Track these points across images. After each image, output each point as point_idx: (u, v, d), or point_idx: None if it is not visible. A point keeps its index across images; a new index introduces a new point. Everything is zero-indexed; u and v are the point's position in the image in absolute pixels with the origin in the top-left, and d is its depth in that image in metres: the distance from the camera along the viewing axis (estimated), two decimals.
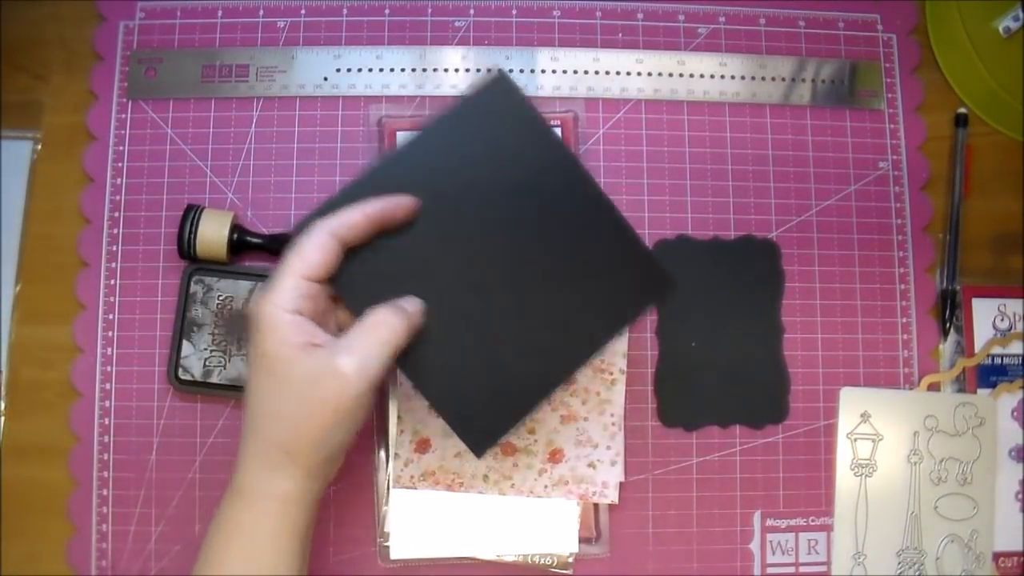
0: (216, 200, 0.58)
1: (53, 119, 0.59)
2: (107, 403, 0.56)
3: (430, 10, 0.61)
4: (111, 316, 0.57)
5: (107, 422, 0.56)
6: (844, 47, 0.62)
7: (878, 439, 0.57)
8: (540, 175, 0.44)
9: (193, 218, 0.55)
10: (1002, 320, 0.59)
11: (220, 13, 0.60)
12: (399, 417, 0.55)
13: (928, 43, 0.62)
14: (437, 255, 0.44)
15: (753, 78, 0.61)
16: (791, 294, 0.59)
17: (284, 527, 0.41)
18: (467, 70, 0.60)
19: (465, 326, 0.44)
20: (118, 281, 0.57)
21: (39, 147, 0.59)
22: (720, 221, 0.59)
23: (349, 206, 0.42)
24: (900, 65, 0.62)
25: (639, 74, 0.60)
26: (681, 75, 0.60)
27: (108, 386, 0.56)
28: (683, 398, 0.57)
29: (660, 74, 0.60)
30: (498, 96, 0.44)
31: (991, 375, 0.58)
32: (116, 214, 0.58)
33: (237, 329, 0.55)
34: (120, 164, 0.58)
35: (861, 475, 0.57)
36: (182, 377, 0.55)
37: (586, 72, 0.60)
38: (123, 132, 0.58)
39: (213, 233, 0.54)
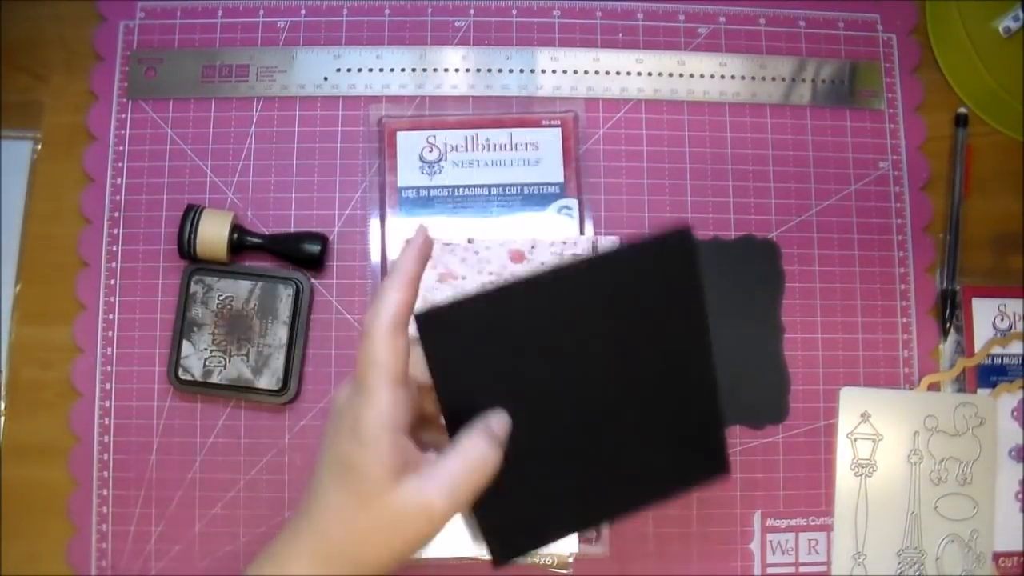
0: (216, 200, 0.58)
1: (53, 119, 0.59)
2: (107, 403, 0.56)
3: (430, 10, 0.61)
4: (111, 316, 0.57)
5: (107, 422, 0.56)
6: (844, 47, 0.62)
7: (878, 439, 0.57)
8: (668, 335, 0.41)
9: (193, 218, 0.55)
10: (1002, 320, 0.59)
11: (220, 13, 0.60)
12: None
13: (928, 43, 0.62)
14: (532, 368, 0.40)
15: (753, 78, 0.61)
16: (791, 294, 0.59)
17: None
18: (467, 70, 0.60)
19: (530, 440, 0.40)
20: (118, 281, 0.57)
21: (39, 147, 0.59)
22: (720, 221, 0.59)
23: (387, 285, 0.38)
24: (900, 65, 0.62)
25: (639, 74, 0.60)
26: (681, 75, 0.60)
27: (108, 386, 0.56)
28: None
29: (660, 74, 0.60)
30: (673, 249, 0.39)
31: (991, 375, 0.58)
32: (116, 214, 0.58)
33: (237, 329, 0.55)
34: (120, 164, 0.58)
35: (861, 475, 0.57)
36: (182, 377, 0.55)
37: (586, 72, 0.60)
38: (123, 132, 0.58)
39: (213, 233, 0.54)
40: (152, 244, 0.57)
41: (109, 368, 0.56)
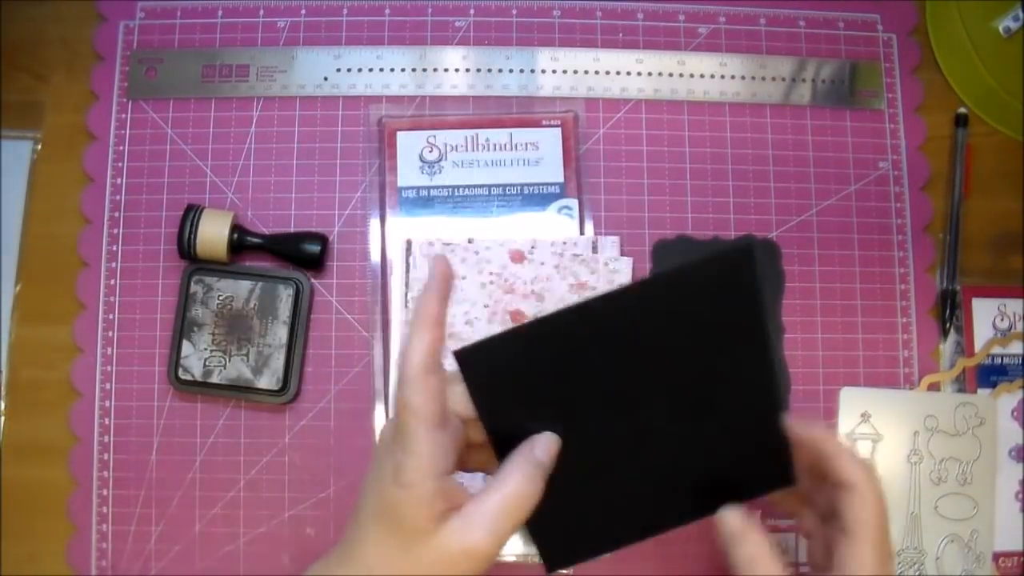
0: (216, 200, 0.58)
1: (53, 119, 0.59)
2: (107, 403, 0.56)
3: (430, 10, 0.61)
4: (111, 316, 0.57)
5: (107, 422, 0.56)
6: (844, 47, 0.62)
7: (878, 439, 0.57)
8: (726, 353, 0.40)
9: (193, 218, 0.55)
10: (1002, 320, 0.59)
11: (220, 13, 0.60)
12: None
13: (928, 43, 0.62)
14: (581, 392, 0.39)
15: (753, 78, 0.61)
16: (791, 294, 0.59)
17: None
18: (467, 70, 0.60)
19: (585, 450, 0.40)
20: (118, 281, 0.57)
21: (39, 147, 0.59)
22: (720, 221, 0.59)
23: (413, 330, 0.38)
24: (900, 65, 0.62)
25: (639, 74, 0.60)
26: (681, 75, 0.60)
27: (108, 386, 0.56)
28: None
29: (660, 74, 0.60)
30: (734, 269, 0.38)
31: (991, 375, 0.58)
32: (116, 214, 0.58)
33: (237, 329, 0.55)
34: (120, 164, 0.58)
35: None
36: (182, 377, 0.55)
37: (586, 72, 0.60)
38: (123, 132, 0.58)
39: (213, 233, 0.54)
40: (152, 244, 0.57)
41: (109, 368, 0.56)
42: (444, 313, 0.38)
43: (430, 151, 0.58)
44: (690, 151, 0.60)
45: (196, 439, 0.56)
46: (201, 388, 0.55)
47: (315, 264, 0.56)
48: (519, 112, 0.59)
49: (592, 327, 0.38)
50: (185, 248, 0.55)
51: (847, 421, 0.57)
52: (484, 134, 0.58)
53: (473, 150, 0.58)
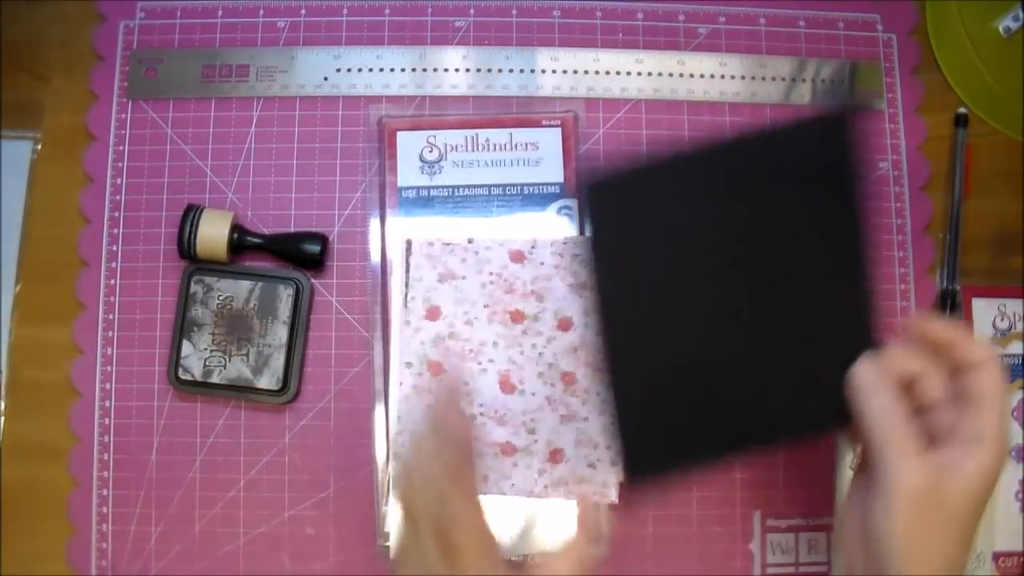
0: (216, 200, 0.58)
1: (53, 119, 0.59)
2: (107, 403, 0.56)
3: (430, 10, 0.61)
4: (111, 316, 0.57)
5: (107, 422, 0.56)
6: (844, 47, 0.62)
7: None
8: (819, 220, 0.41)
9: (193, 218, 0.55)
10: (1002, 320, 0.59)
11: (220, 13, 0.60)
12: (399, 417, 0.55)
13: (928, 43, 0.62)
14: (680, 253, 0.41)
15: (753, 78, 0.61)
16: None
17: None
18: (467, 70, 0.60)
19: (677, 360, 0.41)
20: (118, 281, 0.57)
21: (39, 147, 0.59)
22: None
23: (434, 444, 0.41)
24: (900, 65, 0.62)
25: (639, 74, 0.60)
26: (681, 75, 0.60)
27: (108, 386, 0.56)
28: None
29: (660, 74, 0.60)
30: (836, 128, 0.40)
31: None
32: (116, 214, 0.58)
33: (237, 329, 0.55)
34: (120, 164, 0.58)
35: None
36: (182, 377, 0.55)
37: (586, 72, 0.60)
38: (123, 132, 0.58)
39: (213, 233, 0.54)
40: (152, 244, 0.57)
41: (109, 368, 0.56)
42: (470, 433, 0.42)
43: (430, 151, 0.58)
44: None
45: (196, 439, 0.56)
46: (201, 388, 0.55)
47: (315, 264, 0.56)
48: (519, 112, 0.59)
49: (710, 174, 0.40)
50: (185, 248, 0.55)
51: None
52: (484, 134, 0.58)
53: (473, 150, 0.58)
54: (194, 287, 0.55)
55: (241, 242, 0.55)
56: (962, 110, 0.61)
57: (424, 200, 0.57)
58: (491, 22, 0.61)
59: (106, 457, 0.55)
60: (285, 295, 0.55)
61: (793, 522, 0.57)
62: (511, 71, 0.60)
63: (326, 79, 0.59)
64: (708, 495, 0.56)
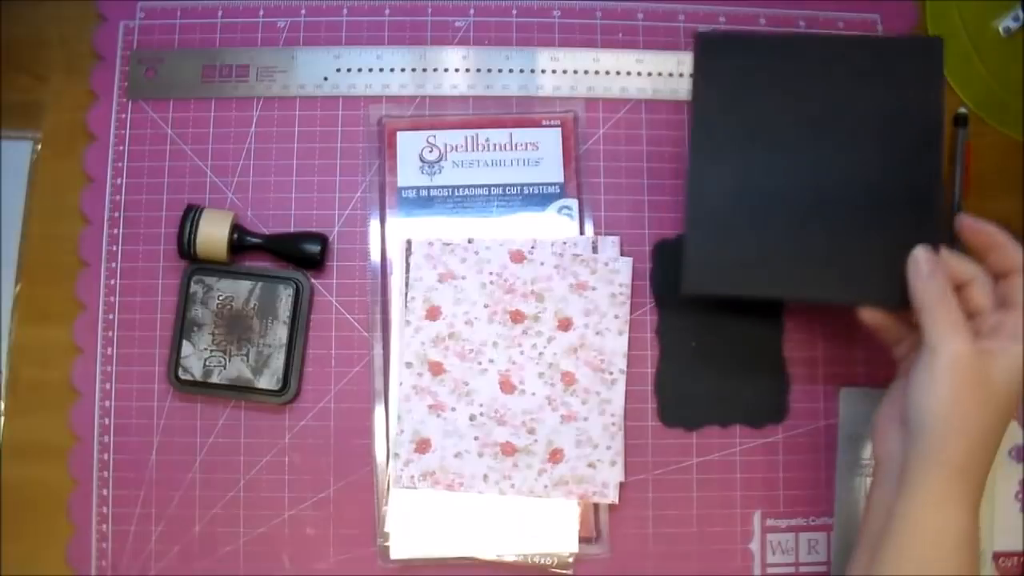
0: (216, 200, 0.58)
1: (53, 119, 0.59)
2: (107, 403, 0.56)
3: (430, 10, 0.61)
4: (111, 316, 0.57)
5: (107, 422, 0.56)
6: None
7: None
8: (899, 120, 0.49)
9: (193, 218, 0.55)
10: None
11: (220, 13, 0.60)
12: (399, 417, 0.55)
13: None
14: (774, 122, 0.49)
15: None
16: None
17: None
18: (467, 70, 0.60)
19: (759, 186, 0.49)
20: (118, 281, 0.57)
21: (39, 147, 0.59)
22: None
23: None
24: None
25: (639, 74, 0.60)
26: (681, 75, 0.60)
27: (108, 386, 0.56)
28: (683, 398, 0.57)
29: (660, 74, 0.60)
30: (923, 54, 0.49)
31: None
32: (116, 214, 0.58)
33: (237, 329, 0.55)
34: (120, 164, 0.58)
35: (861, 475, 0.57)
36: (182, 377, 0.55)
37: (586, 72, 0.60)
38: (123, 132, 0.58)
39: (213, 233, 0.54)
40: (152, 244, 0.57)
41: (109, 368, 0.56)
42: None
43: (430, 151, 0.58)
44: None
45: (196, 439, 0.56)
46: (201, 388, 0.55)
47: (315, 264, 0.56)
48: (519, 112, 0.59)
49: (810, 58, 0.50)
50: (185, 248, 0.55)
51: (847, 421, 0.57)
52: (484, 134, 0.58)
53: (473, 150, 0.58)
54: (194, 287, 0.55)
55: (241, 242, 0.55)
56: (962, 110, 0.61)
57: (424, 200, 0.57)
58: (491, 22, 0.61)
59: (106, 457, 0.55)
60: (285, 295, 0.55)
61: (793, 522, 0.57)
62: (511, 71, 0.60)
63: (326, 79, 0.59)
64: (708, 495, 0.56)
